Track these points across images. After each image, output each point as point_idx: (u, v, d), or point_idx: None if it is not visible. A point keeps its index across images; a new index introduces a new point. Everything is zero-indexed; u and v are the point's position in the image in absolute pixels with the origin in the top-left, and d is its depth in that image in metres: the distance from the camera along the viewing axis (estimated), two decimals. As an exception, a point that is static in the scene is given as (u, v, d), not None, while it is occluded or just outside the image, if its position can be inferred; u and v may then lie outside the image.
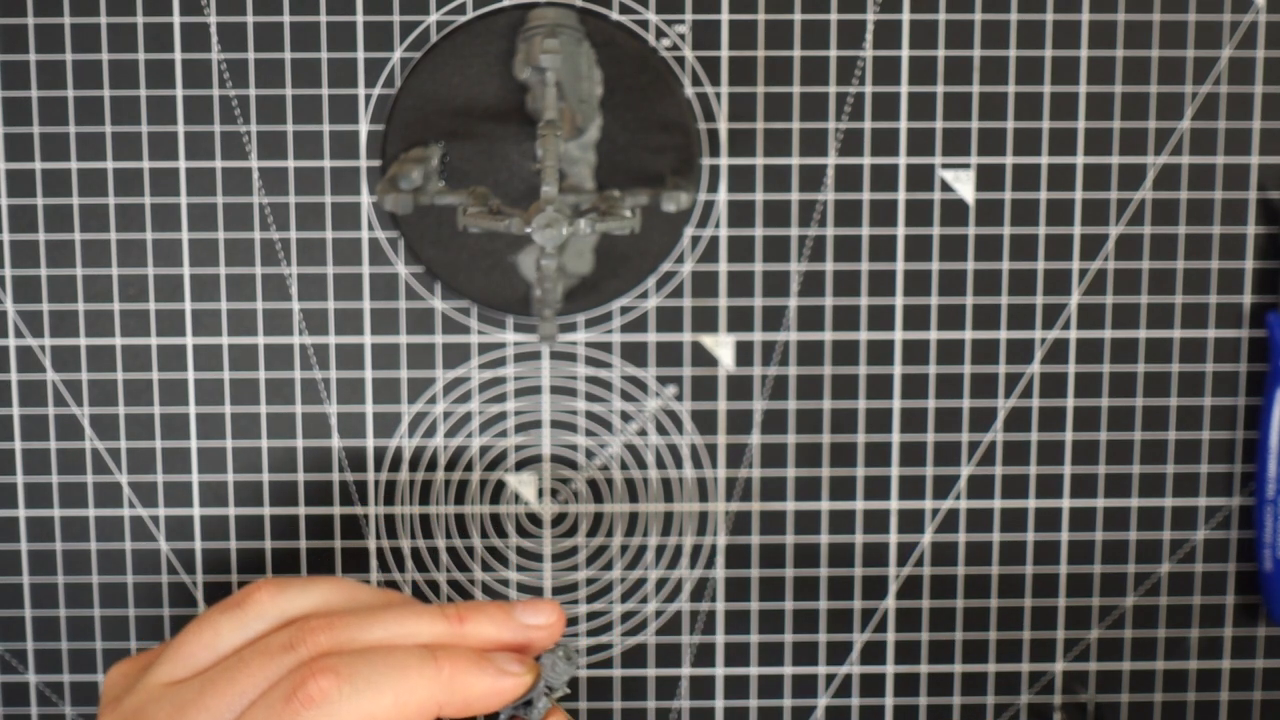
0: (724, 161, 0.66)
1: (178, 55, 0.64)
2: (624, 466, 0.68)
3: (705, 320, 0.67)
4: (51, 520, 0.67)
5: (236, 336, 0.66)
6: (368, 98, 0.65)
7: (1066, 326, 0.67)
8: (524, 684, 0.54)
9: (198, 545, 0.68)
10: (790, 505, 0.68)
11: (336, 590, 0.57)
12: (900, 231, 0.66)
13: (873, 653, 0.69)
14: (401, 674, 0.53)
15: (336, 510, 0.68)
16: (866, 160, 0.66)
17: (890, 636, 0.69)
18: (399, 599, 0.57)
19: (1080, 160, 0.66)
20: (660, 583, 0.68)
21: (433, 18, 0.65)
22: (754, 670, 0.69)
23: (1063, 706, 0.69)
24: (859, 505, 0.68)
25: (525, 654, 0.56)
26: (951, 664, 0.69)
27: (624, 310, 0.66)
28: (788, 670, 0.69)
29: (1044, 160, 0.66)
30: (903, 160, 0.66)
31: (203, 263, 0.66)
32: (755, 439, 0.67)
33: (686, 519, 0.68)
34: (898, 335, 0.67)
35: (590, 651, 0.69)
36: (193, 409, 0.67)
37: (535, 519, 0.68)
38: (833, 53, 0.65)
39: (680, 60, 0.65)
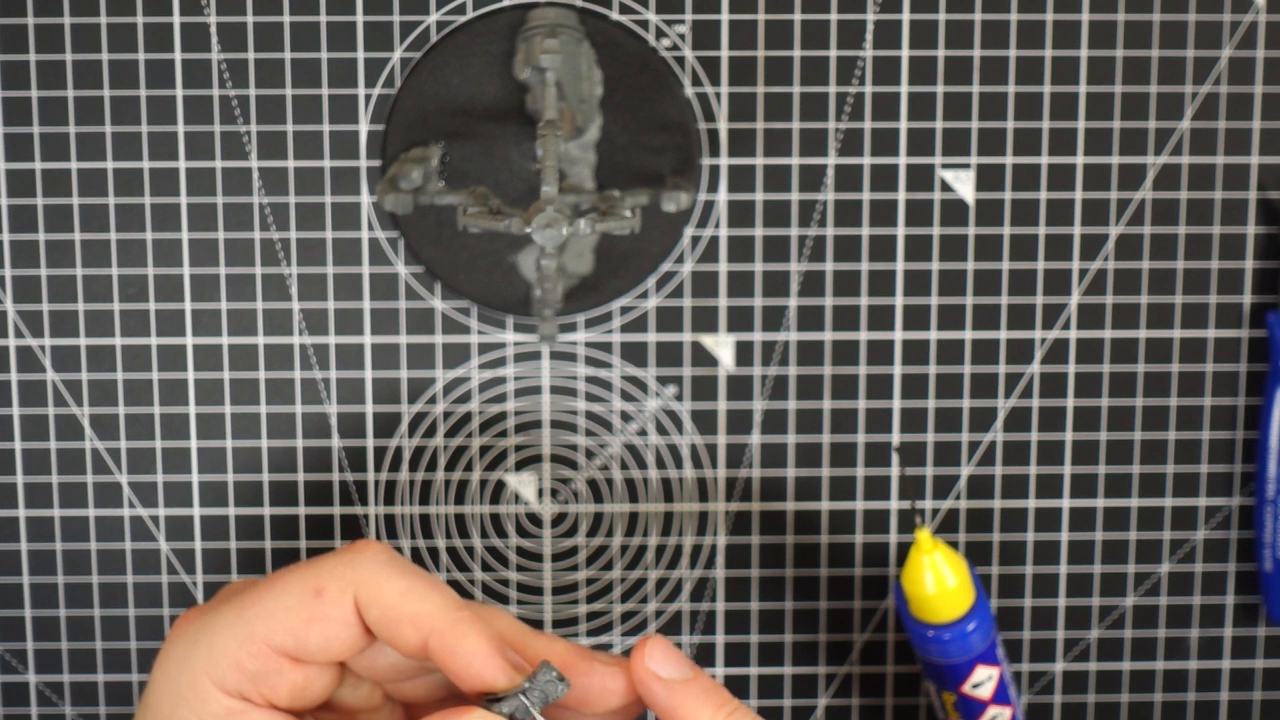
0: (724, 161, 0.66)
1: (178, 55, 0.64)
2: (624, 466, 0.68)
3: (705, 320, 0.67)
4: (51, 520, 0.67)
5: (236, 336, 0.66)
6: (368, 98, 0.65)
7: (1066, 326, 0.67)
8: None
9: (198, 545, 0.68)
10: (790, 505, 0.68)
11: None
12: (900, 231, 0.66)
13: (873, 653, 0.69)
14: None
15: (336, 510, 0.68)
16: (866, 160, 0.66)
17: (890, 636, 0.69)
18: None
19: (1080, 160, 0.66)
20: (660, 583, 0.68)
21: (433, 18, 0.65)
22: (754, 670, 0.69)
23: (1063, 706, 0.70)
24: (859, 505, 0.68)
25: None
26: (951, 664, 0.69)
27: (624, 310, 0.66)
28: (788, 670, 0.69)
29: (1044, 160, 0.66)
30: (903, 160, 0.66)
31: (203, 263, 0.66)
32: (755, 439, 0.67)
33: (686, 519, 0.68)
34: (898, 335, 0.67)
35: (590, 651, 0.69)
36: (193, 409, 0.67)
37: (535, 519, 0.68)
38: (833, 53, 0.65)
39: (680, 60, 0.65)
